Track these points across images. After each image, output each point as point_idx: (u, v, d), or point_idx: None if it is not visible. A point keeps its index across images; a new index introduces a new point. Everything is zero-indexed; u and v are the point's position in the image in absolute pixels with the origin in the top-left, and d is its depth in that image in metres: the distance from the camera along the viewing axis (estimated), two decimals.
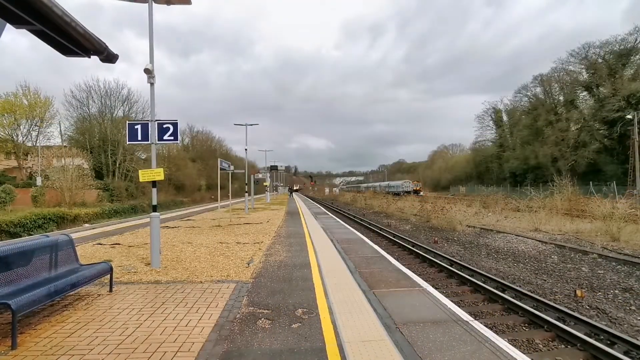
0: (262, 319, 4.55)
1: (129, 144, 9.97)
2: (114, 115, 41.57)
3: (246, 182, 27.21)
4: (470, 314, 5.15)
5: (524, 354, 3.65)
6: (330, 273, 6.96)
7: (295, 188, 63.29)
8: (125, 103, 42.75)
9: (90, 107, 40.90)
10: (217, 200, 27.72)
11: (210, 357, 3.54)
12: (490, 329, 5.17)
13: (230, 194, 22.17)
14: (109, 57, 2.47)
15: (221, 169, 18.05)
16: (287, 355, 3.57)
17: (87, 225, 20.42)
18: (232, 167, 20.37)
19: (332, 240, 11.18)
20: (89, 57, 2.41)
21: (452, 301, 5.33)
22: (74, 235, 5.93)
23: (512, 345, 3.96)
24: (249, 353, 3.63)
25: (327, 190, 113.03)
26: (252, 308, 4.95)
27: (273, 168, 48.37)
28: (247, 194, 27.55)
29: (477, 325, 4.34)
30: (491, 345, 3.79)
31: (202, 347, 3.73)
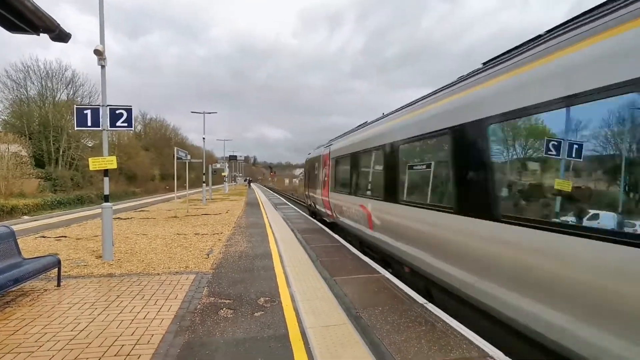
0: (224, 308, 4.53)
1: (77, 129, 9.30)
2: (56, 99, 38.23)
3: (204, 172, 26.41)
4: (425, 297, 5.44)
5: (474, 332, 3.95)
6: (292, 262, 7.03)
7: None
8: (70, 86, 39.46)
9: (28, 89, 37.32)
10: (172, 191, 26.62)
11: (171, 347, 3.49)
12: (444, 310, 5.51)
13: (187, 184, 21.42)
14: (60, 36, 2.30)
15: (177, 158, 17.35)
16: (251, 343, 3.60)
17: (26, 217, 18.88)
18: (189, 157, 19.65)
19: (293, 231, 11.24)
20: (38, 35, 2.24)
21: (408, 286, 5.61)
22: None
23: (461, 323, 4.26)
24: (212, 343, 3.61)
25: (286, 181, 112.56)
26: (213, 298, 4.91)
27: (232, 158, 47.40)
28: (204, 184, 26.80)
29: (431, 307, 4.63)
30: (443, 324, 4.06)
31: (162, 339, 3.66)
